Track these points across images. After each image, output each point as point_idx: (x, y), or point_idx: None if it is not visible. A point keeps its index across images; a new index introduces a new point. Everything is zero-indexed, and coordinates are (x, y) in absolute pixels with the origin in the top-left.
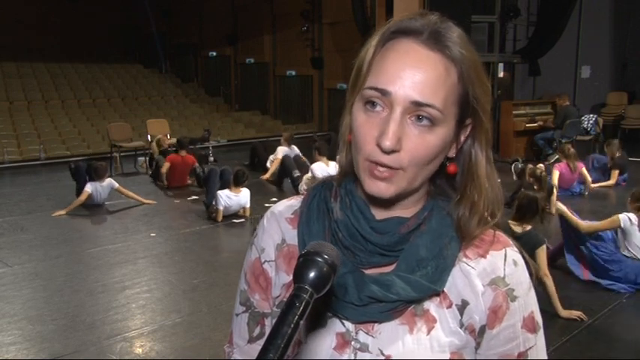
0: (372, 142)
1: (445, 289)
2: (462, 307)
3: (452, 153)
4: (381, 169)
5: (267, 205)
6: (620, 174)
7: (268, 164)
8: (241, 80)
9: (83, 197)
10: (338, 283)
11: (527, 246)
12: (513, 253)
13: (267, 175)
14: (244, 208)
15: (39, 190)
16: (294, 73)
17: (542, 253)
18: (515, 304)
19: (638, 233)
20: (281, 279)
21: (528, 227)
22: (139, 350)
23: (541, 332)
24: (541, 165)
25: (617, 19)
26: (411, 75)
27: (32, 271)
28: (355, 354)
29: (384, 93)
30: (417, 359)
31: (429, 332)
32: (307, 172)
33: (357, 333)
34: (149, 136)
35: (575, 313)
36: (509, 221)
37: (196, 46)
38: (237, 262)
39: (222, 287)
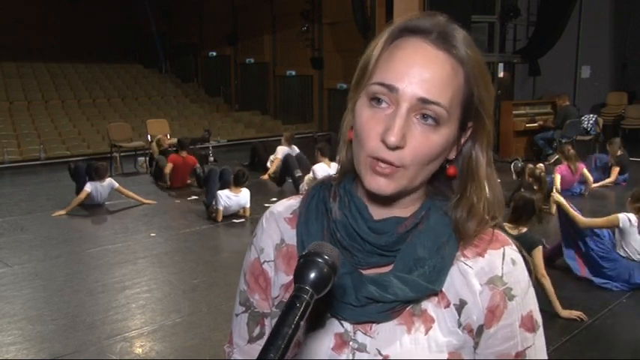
0: (376, 138)
1: (443, 289)
2: (460, 306)
3: (452, 155)
4: (383, 165)
5: (267, 205)
6: (621, 173)
7: (268, 164)
8: (241, 80)
9: (83, 196)
10: (336, 283)
11: (523, 248)
12: (512, 251)
13: (270, 170)
14: (244, 208)
15: (39, 190)
16: (294, 73)
17: (538, 254)
18: (513, 303)
19: (635, 234)
20: (280, 279)
21: (524, 229)
22: (139, 350)
23: (540, 332)
24: (541, 165)
25: (617, 19)
26: (419, 72)
27: (32, 271)
28: (353, 354)
29: (391, 89)
30: (414, 359)
31: (426, 332)
32: (309, 173)
33: (355, 333)
34: (149, 136)
35: (575, 313)
36: (505, 223)
37: (196, 46)
38: (237, 262)
39: (222, 287)
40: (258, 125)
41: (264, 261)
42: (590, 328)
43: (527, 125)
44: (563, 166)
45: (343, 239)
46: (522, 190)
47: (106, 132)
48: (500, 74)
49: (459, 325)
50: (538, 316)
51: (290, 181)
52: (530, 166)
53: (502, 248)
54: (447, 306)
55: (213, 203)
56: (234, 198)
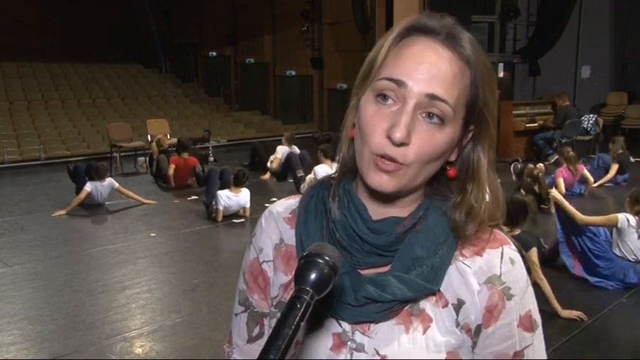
0: (382, 135)
1: (441, 289)
2: (458, 306)
3: (452, 157)
4: (387, 161)
5: (267, 205)
6: (621, 172)
7: (269, 164)
8: (241, 80)
9: (83, 195)
10: (335, 283)
11: None
12: (510, 251)
13: (274, 164)
14: (244, 208)
15: (39, 190)
16: (294, 73)
17: (533, 255)
18: (511, 303)
19: (633, 235)
20: (279, 279)
21: (517, 231)
22: (139, 350)
23: (539, 331)
24: (540, 165)
25: (617, 19)
26: (428, 70)
27: (32, 271)
28: (351, 354)
29: (399, 84)
30: (413, 359)
31: (424, 332)
32: (311, 173)
33: (353, 333)
34: (149, 136)
35: (575, 313)
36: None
37: (196, 46)
38: (237, 262)
39: (222, 287)
40: (258, 125)
41: (263, 261)
42: (590, 328)
43: (527, 125)
44: (563, 169)
45: (342, 239)
46: (521, 190)
47: (106, 132)
48: (500, 74)
49: (457, 324)
50: (537, 316)
51: (291, 181)
52: (530, 165)
53: (500, 247)
54: (445, 305)
55: (213, 203)
56: (234, 198)
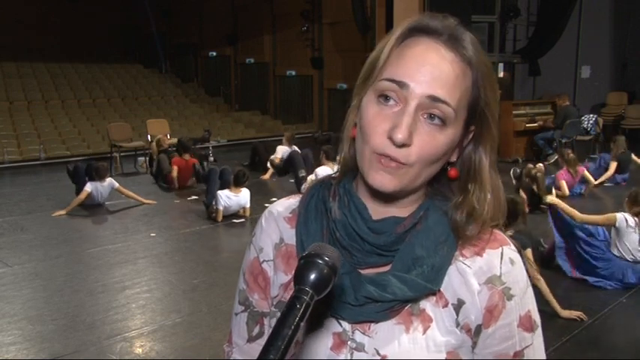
0: (383, 135)
1: (441, 289)
2: (458, 306)
3: (453, 157)
4: (388, 161)
5: (267, 205)
6: (621, 171)
7: (269, 164)
8: (241, 80)
9: (83, 196)
10: (335, 283)
11: None
12: (510, 251)
13: (276, 161)
14: (244, 208)
15: (39, 190)
16: (294, 73)
17: (527, 256)
18: (511, 303)
19: (631, 235)
20: (279, 279)
21: (510, 232)
22: (139, 350)
23: (539, 331)
24: (540, 165)
25: (617, 19)
26: (430, 71)
27: (32, 271)
28: (351, 354)
29: (401, 85)
30: (413, 359)
31: (425, 332)
32: (312, 174)
33: (353, 333)
34: (149, 136)
35: (575, 313)
36: None
37: (196, 46)
38: (237, 262)
39: (222, 287)
40: (258, 125)
41: (264, 260)
42: (590, 328)
43: (527, 125)
44: (563, 171)
45: (342, 239)
46: (520, 191)
47: (106, 132)
48: (500, 74)
49: (457, 324)
50: (536, 316)
51: (291, 181)
52: (530, 165)
53: (500, 248)
54: (445, 305)
55: (213, 203)
56: (234, 198)
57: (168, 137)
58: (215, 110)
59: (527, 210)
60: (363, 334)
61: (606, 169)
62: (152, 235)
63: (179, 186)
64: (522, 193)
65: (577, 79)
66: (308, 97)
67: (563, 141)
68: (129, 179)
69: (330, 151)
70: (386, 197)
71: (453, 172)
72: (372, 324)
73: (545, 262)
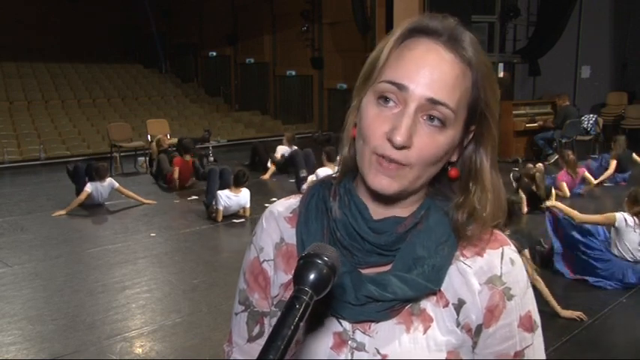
0: (383, 137)
1: (442, 288)
2: (459, 306)
3: (454, 157)
4: (388, 163)
5: (267, 205)
6: (622, 170)
7: (269, 164)
8: (241, 80)
9: (83, 196)
10: (336, 282)
11: None
12: (510, 251)
13: (278, 157)
14: (244, 208)
15: (39, 190)
16: (294, 73)
17: (526, 256)
18: (511, 303)
19: (631, 235)
20: (279, 278)
21: (507, 232)
22: (139, 350)
23: (539, 331)
24: (540, 164)
25: (617, 19)
26: (430, 73)
27: (32, 271)
28: (352, 353)
29: (400, 87)
30: (413, 359)
31: (425, 331)
32: (313, 175)
33: (354, 332)
34: (149, 136)
35: (575, 313)
36: None
37: (196, 46)
38: (237, 262)
39: (222, 287)
40: (258, 125)
41: (264, 260)
42: (590, 328)
43: (527, 125)
44: (563, 173)
45: (343, 238)
46: (519, 191)
47: (106, 132)
48: (500, 74)
49: (458, 324)
50: (537, 317)
51: (291, 181)
52: (529, 165)
53: (501, 248)
54: (446, 305)
55: (213, 203)
56: (234, 198)
57: (168, 137)
58: (215, 110)
59: (526, 210)
60: (364, 333)
61: (607, 169)
62: (152, 235)
63: (179, 186)
64: (522, 194)
65: (577, 79)
66: (308, 97)
67: (563, 141)
68: (129, 179)
69: (331, 152)
70: (387, 198)
71: (453, 171)
72: (373, 323)
73: (544, 262)
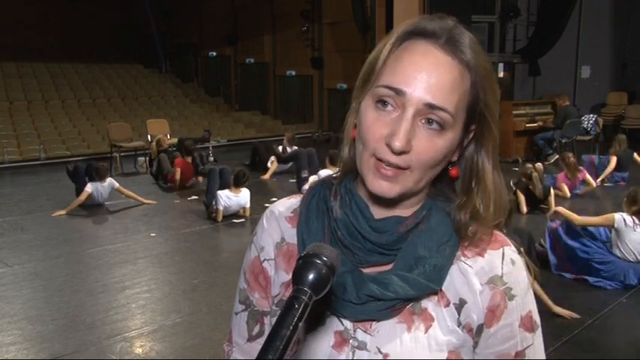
0: (381, 141)
1: (443, 288)
2: (460, 305)
3: (454, 157)
4: (387, 167)
5: (267, 205)
6: (622, 168)
7: (269, 164)
8: (241, 80)
9: (83, 197)
10: (337, 281)
11: None
12: (511, 252)
13: (274, 165)
14: (244, 208)
15: (39, 190)
16: (294, 73)
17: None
18: (513, 303)
19: (631, 234)
20: (280, 277)
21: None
22: (139, 350)
23: (539, 332)
24: (539, 164)
25: (617, 19)
26: (427, 77)
27: (32, 271)
28: (353, 352)
29: (398, 92)
30: (414, 358)
31: (426, 331)
32: (315, 174)
33: (355, 331)
34: (149, 136)
35: (566, 312)
36: None
37: (196, 46)
38: (237, 262)
39: (222, 287)
40: (258, 125)
41: (264, 259)
42: (590, 328)
43: (527, 125)
44: (562, 174)
45: (344, 238)
46: (517, 192)
47: (106, 132)
48: (500, 74)
49: (459, 324)
50: (537, 317)
51: (292, 181)
52: (528, 165)
53: (501, 248)
54: (447, 305)
55: (213, 203)
56: (234, 198)
57: (168, 137)
58: (215, 110)
59: (525, 210)
60: (365, 332)
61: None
62: (152, 235)
63: (179, 186)
64: (520, 194)
65: (577, 79)
66: (308, 97)
67: (563, 141)
68: (129, 179)
69: (335, 155)
70: (388, 199)
71: (454, 171)
72: (374, 322)
73: (544, 263)
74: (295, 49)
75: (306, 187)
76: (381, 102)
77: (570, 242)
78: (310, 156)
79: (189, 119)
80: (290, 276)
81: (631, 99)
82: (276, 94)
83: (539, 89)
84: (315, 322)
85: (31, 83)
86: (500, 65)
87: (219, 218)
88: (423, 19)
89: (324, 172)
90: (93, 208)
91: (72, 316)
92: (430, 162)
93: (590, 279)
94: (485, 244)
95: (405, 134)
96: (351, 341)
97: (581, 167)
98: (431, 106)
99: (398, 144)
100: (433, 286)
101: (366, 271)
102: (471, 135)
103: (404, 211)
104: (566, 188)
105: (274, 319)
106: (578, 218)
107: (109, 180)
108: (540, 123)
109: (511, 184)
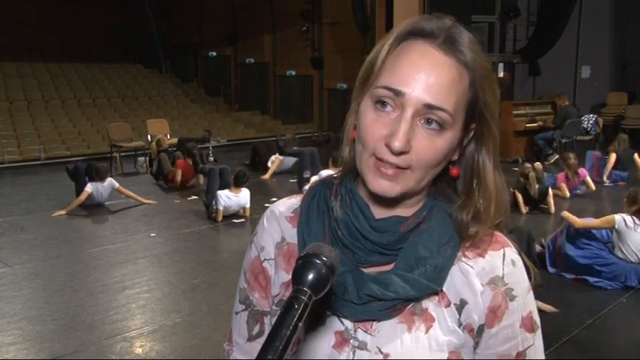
0: (381, 142)
1: (444, 288)
2: (461, 306)
3: (455, 156)
4: (388, 166)
5: (267, 205)
6: (621, 168)
7: (269, 164)
8: (241, 80)
9: (83, 197)
10: (337, 281)
11: None
12: (512, 253)
13: (274, 166)
14: (244, 208)
15: (39, 190)
16: (294, 73)
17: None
18: (514, 304)
19: (632, 235)
20: (280, 277)
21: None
22: (139, 350)
23: (539, 332)
24: (538, 164)
25: (617, 19)
26: (426, 78)
27: (32, 271)
28: (354, 352)
29: (397, 93)
30: (415, 358)
31: (427, 331)
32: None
33: (355, 331)
34: (149, 136)
35: (547, 307)
36: None
37: (196, 46)
38: (237, 262)
39: (222, 287)
40: (258, 125)
41: (265, 259)
42: (590, 328)
43: (527, 125)
44: (562, 174)
45: (345, 237)
46: (515, 192)
47: (106, 132)
48: (500, 74)
49: (460, 324)
50: (537, 317)
51: (292, 181)
52: (527, 165)
53: (502, 249)
54: (448, 305)
55: (213, 203)
56: (234, 198)
57: (168, 137)
58: (215, 110)
59: (524, 210)
60: (366, 332)
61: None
62: (152, 235)
63: (180, 185)
64: (517, 194)
65: (577, 79)
66: (308, 97)
67: (563, 141)
68: (129, 179)
69: (337, 157)
70: (388, 199)
71: (454, 170)
72: (375, 322)
73: (544, 263)
74: (295, 49)
75: (306, 187)
76: (380, 102)
77: (570, 253)
78: (313, 156)
79: (189, 119)
80: (290, 276)
81: (631, 99)
82: (276, 94)
83: (539, 89)
84: (315, 322)
85: (31, 83)
86: (500, 65)
87: (219, 218)
88: (421, 19)
89: (326, 172)
90: (93, 208)
91: (72, 316)
92: (430, 162)
93: (591, 279)
94: (486, 245)
95: (404, 135)
96: (351, 341)
97: (581, 168)
98: (430, 106)
99: (397, 144)
100: (434, 287)
101: (366, 271)
102: (471, 134)
103: (405, 210)
104: (565, 188)
105: (274, 319)
106: (578, 221)
107: (109, 180)
108: (540, 123)
109: (510, 188)
